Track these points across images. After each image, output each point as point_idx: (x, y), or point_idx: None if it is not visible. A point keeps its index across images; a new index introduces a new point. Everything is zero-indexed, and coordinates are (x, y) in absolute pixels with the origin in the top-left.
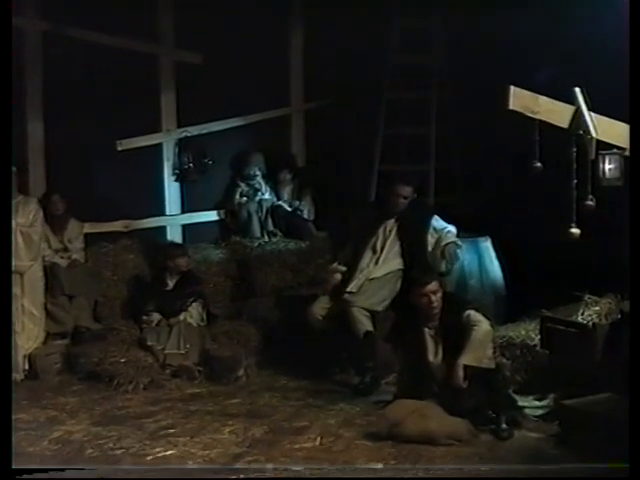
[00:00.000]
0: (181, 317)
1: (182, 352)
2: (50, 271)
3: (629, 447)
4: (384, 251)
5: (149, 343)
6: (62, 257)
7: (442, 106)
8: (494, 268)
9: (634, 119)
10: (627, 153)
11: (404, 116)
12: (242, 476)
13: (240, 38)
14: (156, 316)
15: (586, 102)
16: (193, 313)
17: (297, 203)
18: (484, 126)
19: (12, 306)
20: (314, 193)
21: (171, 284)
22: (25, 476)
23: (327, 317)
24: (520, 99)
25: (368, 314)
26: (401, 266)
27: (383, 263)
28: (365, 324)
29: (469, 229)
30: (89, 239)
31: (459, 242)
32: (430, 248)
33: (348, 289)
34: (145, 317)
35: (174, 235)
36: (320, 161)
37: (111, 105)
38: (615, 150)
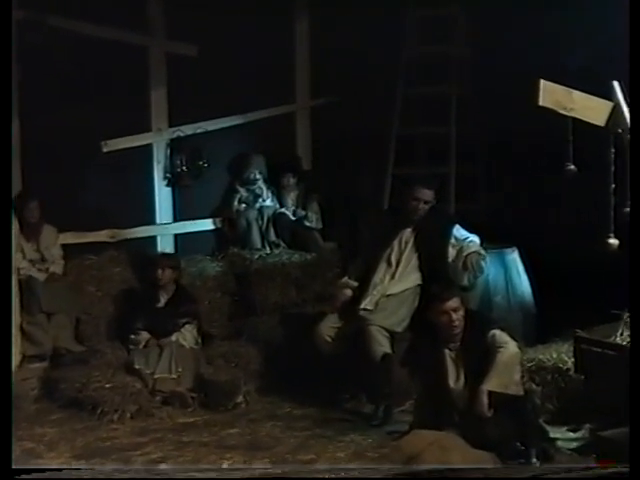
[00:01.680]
0: (173, 338)
1: (174, 376)
2: (26, 285)
3: (629, 446)
4: (400, 265)
5: (137, 366)
6: (40, 269)
7: (463, 103)
8: (522, 283)
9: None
10: None
11: (421, 114)
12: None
13: (239, 27)
14: (144, 335)
15: (625, 97)
16: (187, 336)
17: (302, 211)
18: (510, 125)
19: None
20: (321, 199)
21: (163, 300)
22: (24, 476)
23: (336, 338)
24: (552, 94)
25: (387, 334)
26: (419, 281)
27: (400, 278)
28: (384, 345)
29: (494, 239)
30: (71, 250)
31: (483, 252)
32: (451, 260)
33: (362, 306)
34: (133, 337)
35: (165, 246)
36: (328, 164)
37: (96, 101)
38: None
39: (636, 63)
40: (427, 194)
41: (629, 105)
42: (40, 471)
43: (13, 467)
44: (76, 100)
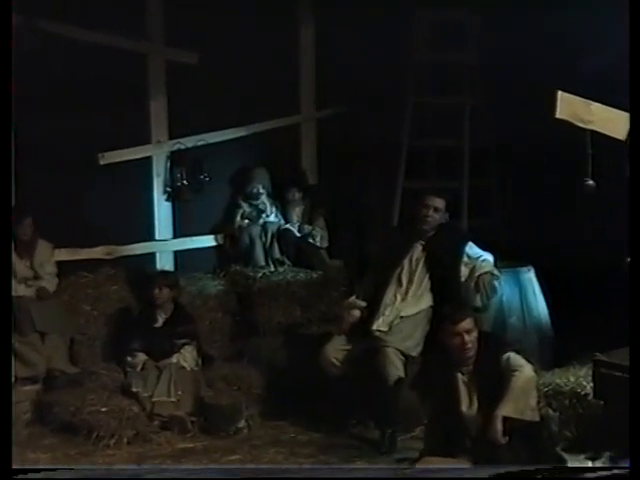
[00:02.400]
0: (174, 359)
1: (173, 400)
2: (18, 304)
3: (629, 446)
4: (413, 285)
5: (134, 389)
6: (30, 286)
7: (477, 113)
8: (538, 303)
9: (634, 119)
10: None
11: (433, 125)
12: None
13: (242, 34)
14: (141, 357)
15: None
16: (187, 357)
17: (308, 227)
18: (526, 137)
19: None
20: (327, 215)
21: (160, 320)
22: (22, 476)
23: (344, 361)
24: (569, 106)
25: (403, 358)
26: (432, 303)
27: (413, 300)
28: (399, 369)
29: (509, 258)
30: (66, 268)
31: (496, 272)
32: (463, 279)
33: (375, 327)
34: (129, 358)
35: (165, 263)
36: (334, 178)
37: (92, 112)
38: None
39: (636, 66)
40: (437, 201)
41: (631, 110)
42: (36, 471)
43: (13, 467)
44: (72, 110)
